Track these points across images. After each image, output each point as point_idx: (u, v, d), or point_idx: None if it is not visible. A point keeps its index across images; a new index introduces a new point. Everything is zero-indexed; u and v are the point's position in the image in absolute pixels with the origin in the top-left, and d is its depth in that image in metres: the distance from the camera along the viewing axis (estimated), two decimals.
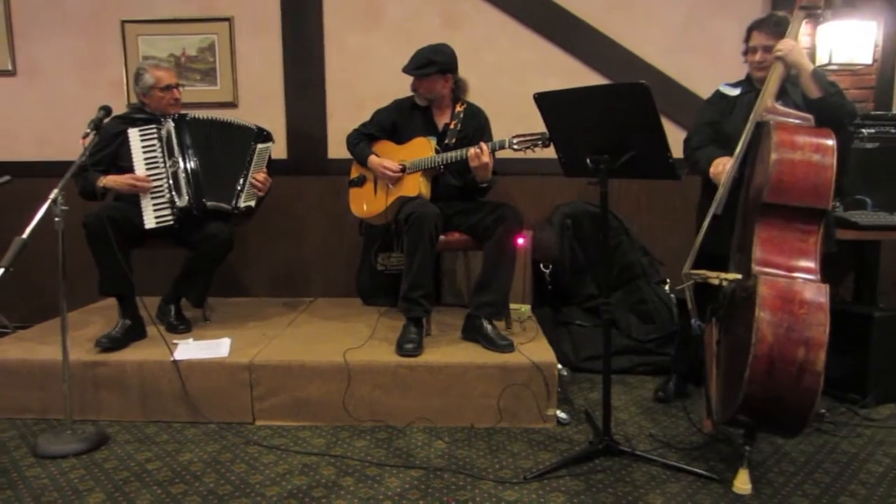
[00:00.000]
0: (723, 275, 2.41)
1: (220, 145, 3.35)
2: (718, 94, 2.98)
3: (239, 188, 3.36)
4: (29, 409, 2.97)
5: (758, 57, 2.80)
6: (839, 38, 3.78)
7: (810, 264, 2.21)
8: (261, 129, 3.46)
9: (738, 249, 2.50)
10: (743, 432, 2.33)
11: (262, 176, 3.43)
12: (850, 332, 3.03)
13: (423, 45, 3.26)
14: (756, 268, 2.23)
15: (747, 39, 2.87)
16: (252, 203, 3.41)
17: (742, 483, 2.28)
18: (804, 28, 2.62)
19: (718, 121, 2.91)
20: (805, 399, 2.07)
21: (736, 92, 2.92)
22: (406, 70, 3.22)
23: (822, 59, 3.87)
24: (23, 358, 2.99)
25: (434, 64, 3.20)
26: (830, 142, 2.23)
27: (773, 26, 2.75)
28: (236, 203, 3.35)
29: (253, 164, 3.40)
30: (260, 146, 3.43)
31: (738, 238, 2.54)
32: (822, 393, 2.07)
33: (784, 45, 2.59)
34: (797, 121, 2.44)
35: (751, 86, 2.89)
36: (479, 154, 3.04)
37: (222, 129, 3.38)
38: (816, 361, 2.04)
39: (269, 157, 3.51)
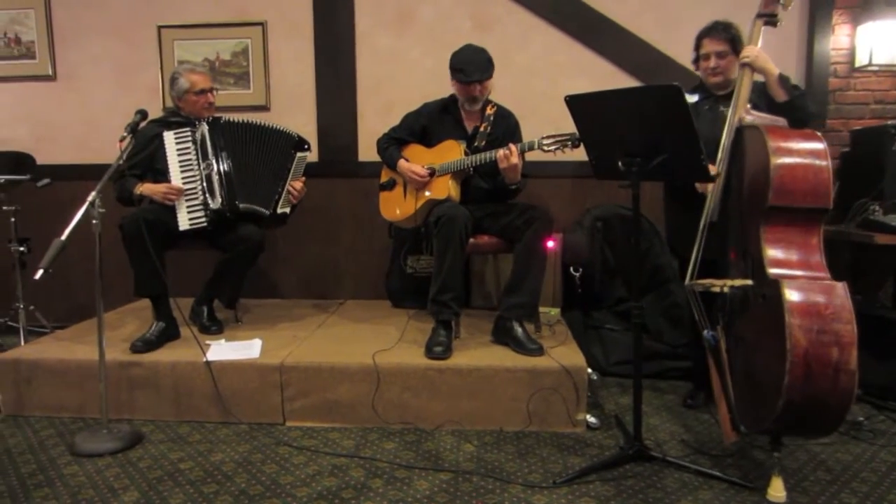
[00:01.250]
0: (729, 281, 2.40)
1: (255, 149, 3.38)
2: None
3: (277, 196, 3.40)
4: (66, 408, 3.03)
5: (711, 63, 2.88)
6: (879, 39, 3.72)
7: (820, 262, 2.24)
8: (301, 138, 3.49)
9: (741, 255, 2.47)
10: (769, 439, 2.29)
11: (299, 185, 3.47)
12: (890, 338, 2.97)
13: (464, 47, 3.23)
14: (771, 270, 2.22)
15: (698, 48, 2.94)
16: (287, 210, 3.45)
17: (776, 491, 2.24)
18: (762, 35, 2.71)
19: None
20: (842, 399, 2.05)
21: (694, 98, 2.96)
22: (475, 79, 3.16)
23: (862, 59, 3.81)
24: (60, 357, 3.05)
25: (491, 63, 3.20)
26: (821, 144, 2.30)
27: (722, 32, 2.85)
28: (274, 209, 3.39)
29: (292, 172, 3.43)
30: (299, 155, 3.46)
31: (736, 242, 2.52)
32: (858, 398, 2.06)
33: (750, 52, 2.64)
34: (774, 123, 2.51)
35: (707, 93, 2.96)
36: (508, 155, 3.03)
37: (258, 132, 3.41)
38: (850, 360, 2.03)
39: (306, 164, 3.54)
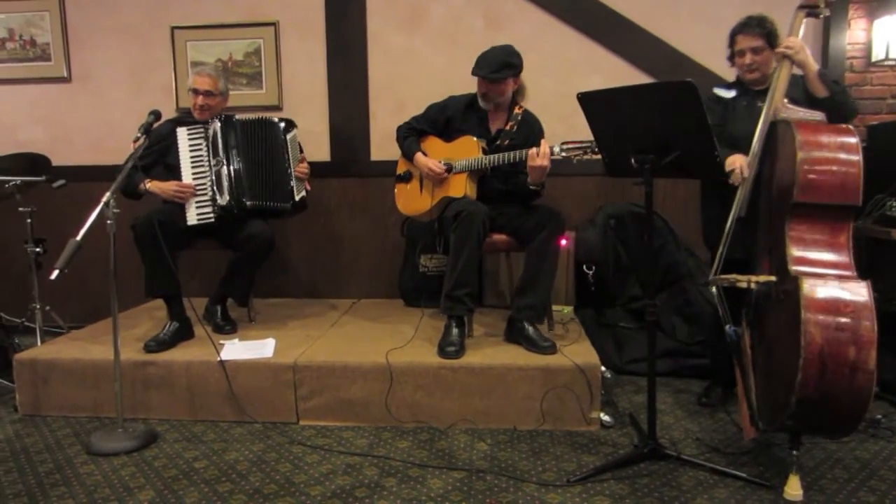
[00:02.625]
0: (753, 277, 2.37)
1: (263, 144, 3.40)
2: (714, 98, 2.93)
3: (291, 185, 3.42)
4: (82, 408, 3.06)
5: (747, 59, 2.80)
6: None
7: (847, 261, 2.18)
8: (284, 119, 3.48)
9: (767, 250, 2.44)
10: (789, 437, 2.26)
11: (303, 166, 3.49)
12: None
13: (492, 48, 3.20)
14: (793, 268, 2.18)
15: (732, 44, 2.87)
16: (304, 192, 3.48)
17: (793, 489, 2.22)
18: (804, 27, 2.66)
19: (720, 124, 2.84)
20: (859, 399, 2.02)
21: (731, 94, 2.90)
22: (480, 74, 3.14)
23: (878, 54, 3.77)
24: (76, 357, 3.08)
25: (511, 67, 3.16)
26: (854, 139, 2.23)
27: (757, 27, 2.76)
28: (293, 197, 3.42)
29: (291, 156, 3.43)
30: (290, 136, 3.45)
31: (764, 239, 2.49)
32: (876, 396, 2.02)
33: (793, 44, 2.57)
34: (811, 118, 2.43)
35: (744, 88, 2.89)
36: (542, 154, 2.96)
37: (261, 127, 3.43)
38: (868, 360, 2.00)
39: (299, 142, 3.54)
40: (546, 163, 2.99)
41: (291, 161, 3.43)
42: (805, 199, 2.20)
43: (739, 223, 2.57)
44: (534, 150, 2.99)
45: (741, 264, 2.58)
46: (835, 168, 2.19)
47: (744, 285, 2.40)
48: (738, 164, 2.56)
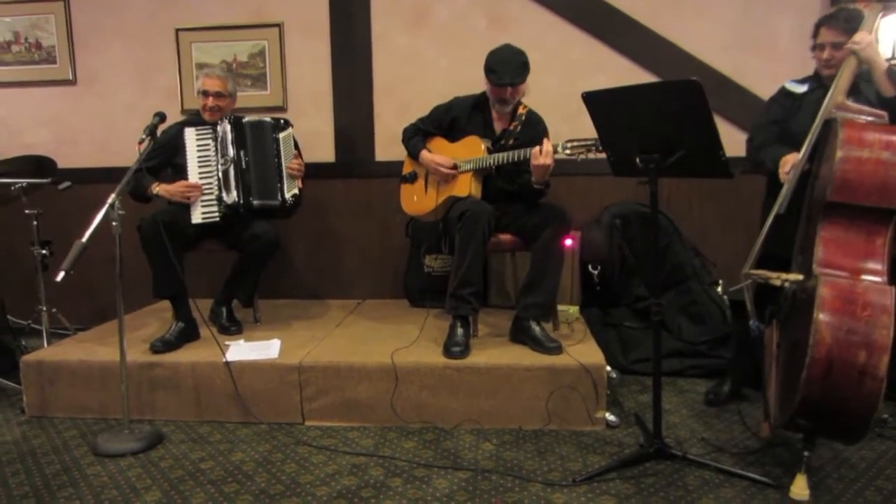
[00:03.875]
0: (784, 275, 2.34)
1: (257, 144, 3.41)
2: (784, 92, 2.87)
3: (279, 182, 3.41)
4: (88, 409, 3.07)
5: (825, 54, 2.69)
6: None
7: (877, 266, 2.12)
8: (276, 119, 3.47)
9: (801, 250, 2.42)
10: (802, 437, 2.26)
11: (296, 163, 3.46)
12: None
13: (502, 47, 3.18)
14: (818, 269, 2.15)
15: (815, 35, 2.75)
16: (296, 190, 3.45)
17: (800, 489, 2.21)
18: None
19: (784, 119, 2.80)
20: (866, 404, 1.99)
21: (803, 89, 2.81)
22: (505, 83, 3.11)
23: (885, 53, 3.73)
24: (83, 359, 3.08)
25: (527, 66, 3.15)
26: None
27: (844, 22, 2.62)
28: (283, 196, 3.40)
29: (282, 154, 3.43)
30: (282, 135, 3.45)
31: (801, 238, 2.46)
32: (884, 398, 2.00)
33: (861, 39, 2.45)
34: (869, 118, 2.33)
35: (819, 82, 2.77)
36: (548, 152, 2.96)
37: (256, 128, 3.43)
38: (879, 366, 1.96)
39: (296, 141, 3.52)
40: (549, 161, 2.98)
41: (283, 159, 3.43)
42: (839, 199, 2.13)
43: (781, 220, 2.51)
44: (536, 148, 2.98)
45: (782, 262, 2.52)
46: (875, 168, 2.10)
47: (777, 283, 2.36)
48: (789, 163, 2.53)
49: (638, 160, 2.41)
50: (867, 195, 2.11)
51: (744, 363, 3.09)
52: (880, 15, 2.55)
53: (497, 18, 4.04)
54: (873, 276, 2.10)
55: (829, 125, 2.37)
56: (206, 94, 3.40)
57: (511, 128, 3.29)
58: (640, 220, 3.76)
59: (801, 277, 2.28)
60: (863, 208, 2.14)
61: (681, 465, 2.46)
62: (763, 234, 2.53)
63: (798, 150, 2.52)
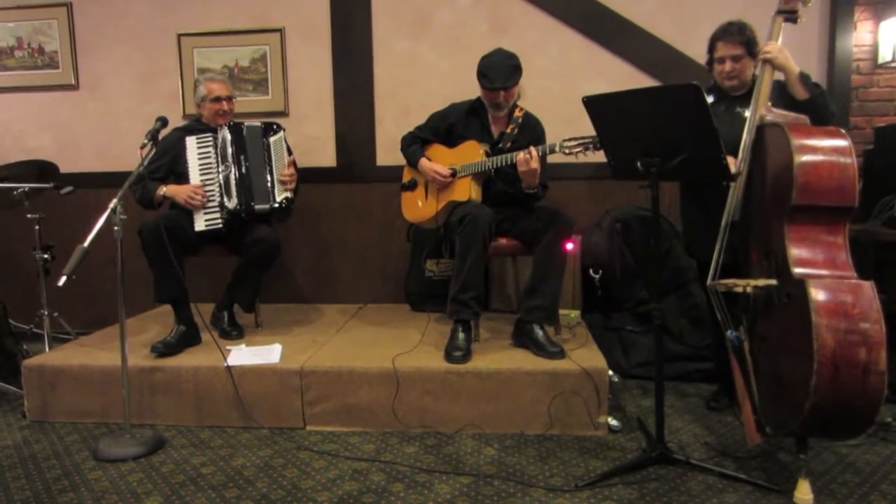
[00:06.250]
0: (752, 281, 2.37)
1: (252, 149, 3.41)
2: None
3: (269, 185, 3.41)
4: (90, 413, 3.07)
5: (727, 67, 2.84)
6: None
7: (846, 261, 2.20)
8: (267, 124, 3.48)
9: (762, 253, 2.44)
10: (795, 441, 2.25)
11: (288, 172, 3.44)
12: None
13: (494, 51, 3.19)
14: (796, 270, 2.18)
15: (711, 50, 2.90)
16: (288, 195, 3.45)
17: (803, 493, 2.20)
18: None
19: None
20: (871, 400, 2.01)
21: (710, 100, 2.85)
22: (497, 87, 3.12)
23: (885, 56, 3.76)
24: (84, 364, 3.08)
25: (519, 70, 3.17)
26: (846, 142, 2.25)
27: (737, 34, 2.79)
28: (273, 199, 3.40)
29: (273, 159, 3.43)
30: (272, 139, 3.45)
31: (759, 242, 2.48)
32: (886, 399, 2.02)
33: (771, 48, 2.61)
34: (795, 121, 2.46)
35: (722, 93, 2.92)
36: (528, 159, 3.01)
37: (252, 133, 3.44)
38: (879, 360, 1.99)
39: (288, 146, 3.52)
40: (534, 165, 3.01)
41: (274, 163, 3.43)
42: (804, 201, 2.21)
43: (708, 229, 2.60)
44: (521, 155, 3.02)
45: (728, 268, 2.58)
46: (831, 170, 2.21)
47: (740, 289, 2.41)
48: (731, 164, 2.55)
49: (639, 164, 2.41)
50: (827, 195, 2.21)
51: (728, 372, 3.08)
52: (783, 25, 2.67)
53: (498, 23, 4.05)
54: (847, 270, 2.18)
55: (761, 131, 2.50)
56: (218, 99, 3.41)
57: (508, 131, 3.29)
58: (641, 224, 3.76)
59: (773, 282, 2.30)
60: (824, 208, 2.22)
61: (684, 469, 2.46)
62: (720, 244, 2.57)
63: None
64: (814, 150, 2.23)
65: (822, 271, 2.17)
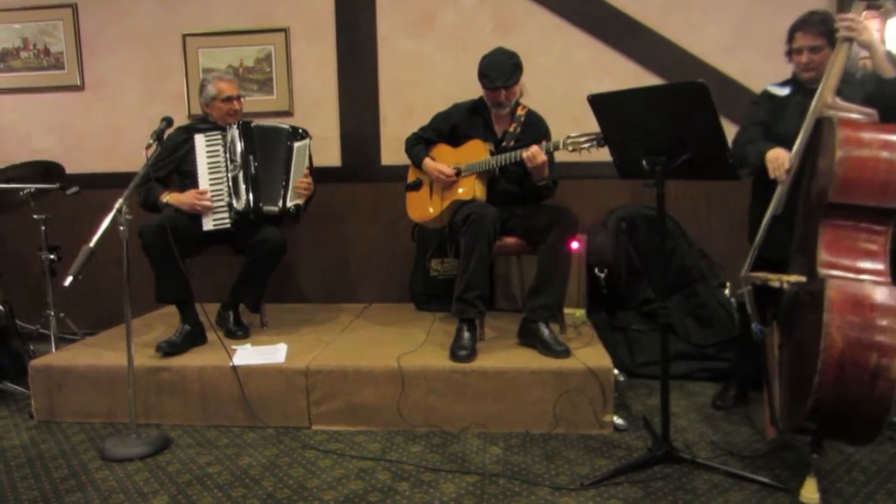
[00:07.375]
0: (784, 277, 2.33)
1: (266, 149, 3.43)
2: (766, 95, 2.87)
3: (283, 189, 3.42)
4: (96, 413, 3.08)
5: (804, 58, 2.70)
6: None
7: (879, 266, 2.09)
8: (295, 128, 3.50)
9: (801, 251, 2.40)
10: (809, 440, 2.24)
11: (304, 182, 3.46)
12: None
13: (494, 51, 3.20)
14: (822, 270, 2.13)
15: (790, 41, 2.77)
16: (300, 201, 3.46)
17: (809, 493, 2.19)
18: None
19: (768, 121, 2.79)
20: (878, 406, 1.97)
21: (785, 92, 2.81)
22: (498, 86, 3.13)
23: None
24: (90, 364, 3.09)
25: (520, 68, 3.17)
26: None
27: (818, 25, 2.65)
28: (284, 204, 3.41)
29: (293, 164, 3.44)
30: (297, 144, 3.47)
31: (799, 239, 2.45)
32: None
33: (855, 25, 2.40)
34: (860, 116, 2.33)
35: (799, 86, 2.79)
36: (533, 156, 3.01)
37: (267, 133, 3.46)
38: (890, 367, 1.94)
39: (310, 155, 3.54)
40: (541, 159, 3.02)
41: (293, 168, 3.44)
42: (840, 199, 2.11)
43: (776, 222, 2.51)
44: (527, 153, 3.02)
45: (777, 264, 2.51)
46: (875, 167, 2.08)
47: (776, 284, 2.34)
48: (780, 158, 2.49)
49: (644, 162, 2.41)
50: (867, 195, 2.10)
51: (747, 366, 3.07)
52: (864, 13, 2.49)
53: (503, 22, 4.04)
54: (877, 276, 2.08)
55: (820, 124, 2.36)
56: (230, 99, 3.40)
57: (511, 129, 3.29)
58: (646, 223, 3.75)
59: (803, 279, 2.26)
60: (863, 208, 2.12)
61: (689, 468, 2.45)
62: (760, 237, 2.52)
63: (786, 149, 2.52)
64: (860, 143, 2.10)
65: (848, 273, 2.09)
